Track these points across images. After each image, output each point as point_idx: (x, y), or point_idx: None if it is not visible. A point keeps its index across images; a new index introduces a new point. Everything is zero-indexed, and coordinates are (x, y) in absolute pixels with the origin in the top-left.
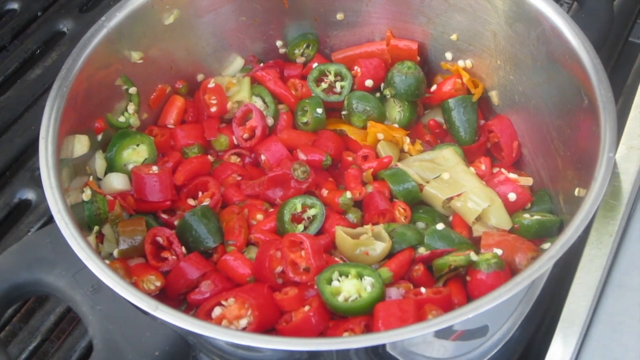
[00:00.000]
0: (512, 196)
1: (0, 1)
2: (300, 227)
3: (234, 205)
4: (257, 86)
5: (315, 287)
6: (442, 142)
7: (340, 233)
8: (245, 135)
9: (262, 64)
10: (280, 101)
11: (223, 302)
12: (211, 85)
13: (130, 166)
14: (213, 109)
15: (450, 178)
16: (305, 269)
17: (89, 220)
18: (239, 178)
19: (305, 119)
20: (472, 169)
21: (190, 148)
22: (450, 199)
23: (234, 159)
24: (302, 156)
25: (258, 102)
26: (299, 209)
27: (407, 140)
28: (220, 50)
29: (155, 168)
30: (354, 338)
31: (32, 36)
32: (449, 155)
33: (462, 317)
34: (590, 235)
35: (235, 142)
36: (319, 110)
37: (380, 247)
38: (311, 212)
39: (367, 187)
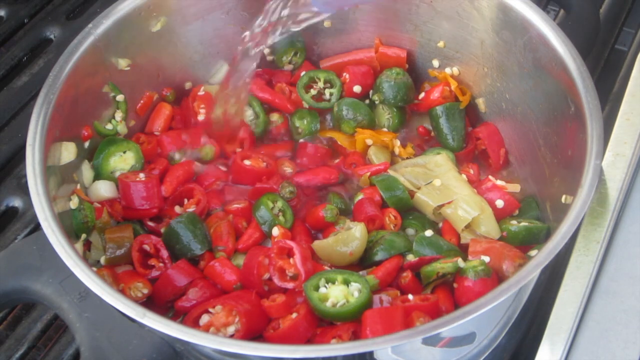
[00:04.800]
0: (499, 203)
1: None
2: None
3: (219, 212)
4: None
5: (303, 294)
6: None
7: (316, 244)
8: (237, 150)
9: None
10: (271, 107)
11: (210, 310)
12: (201, 93)
13: (117, 173)
14: (200, 117)
15: (441, 185)
16: (292, 276)
17: (76, 228)
18: (223, 184)
19: (300, 126)
20: (464, 175)
21: (178, 156)
22: (440, 206)
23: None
24: (298, 180)
25: (248, 112)
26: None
27: (398, 143)
28: (207, 57)
29: (142, 175)
30: (341, 345)
31: (19, 43)
32: (441, 161)
33: (449, 324)
34: (577, 242)
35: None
36: (316, 125)
37: (356, 230)
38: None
39: (357, 195)
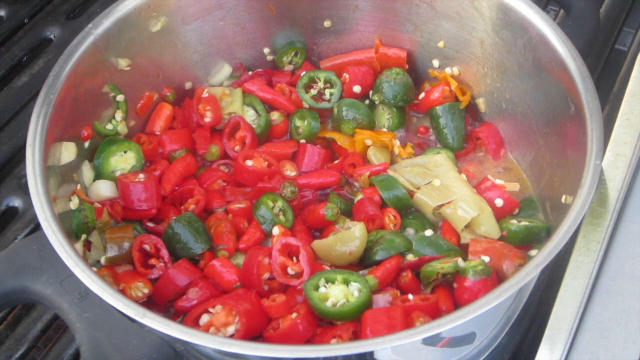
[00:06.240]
0: (499, 202)
1: None
2: (282, 218)
3: (220, 211)
4: (248, 95)
5: (303, 293)
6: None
7: (316, 243)
8: (237, 148)
9: (250, 72)
10: (272, 107)
11: (210, 309)
12: (205, 95)
13: (118, 173)
14: (207, 119)
15: (441, 185)
16: (292, 275)
17: (76, 229)
18: (224, 184)
19: (300, 126)
20: (463, 175)
21: (178, 153)
22: (440, 206)
23: (223, 169)
24: (300, 183)
25: (250, 112)
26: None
27: (397, 143)
28: (207, 57)
29: (141, 176)
30: (341, 345)
31: (19, 43)
32: (441, 161)
33: (449, 324)
34: (578, 242)
35: (226, 152)
36: (316, 125)
37: (356, 230)
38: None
39: (357, 195)
